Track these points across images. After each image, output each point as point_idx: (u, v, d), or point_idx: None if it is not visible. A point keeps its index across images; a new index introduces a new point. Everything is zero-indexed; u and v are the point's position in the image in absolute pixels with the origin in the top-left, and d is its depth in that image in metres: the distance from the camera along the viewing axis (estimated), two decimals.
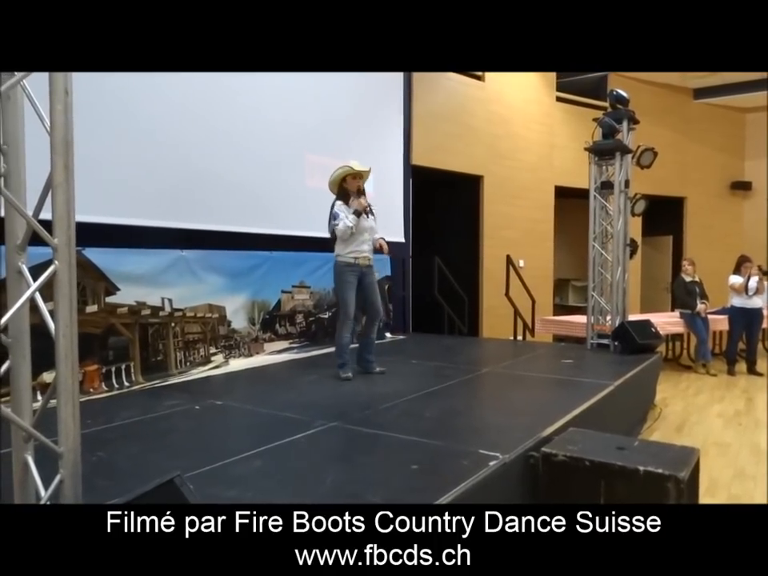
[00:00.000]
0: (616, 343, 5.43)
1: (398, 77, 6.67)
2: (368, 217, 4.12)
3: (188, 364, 4.50)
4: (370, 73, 5.93)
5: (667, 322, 7.29)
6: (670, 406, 5.61)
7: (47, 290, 1.42)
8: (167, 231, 4.31)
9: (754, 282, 7.02)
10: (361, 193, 4.09)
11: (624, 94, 5.78)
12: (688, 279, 7.40)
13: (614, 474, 2.38)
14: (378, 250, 4.25)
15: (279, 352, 5.27)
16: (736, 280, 7.14)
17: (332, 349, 5.56)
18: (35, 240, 1.45)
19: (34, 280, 1.41)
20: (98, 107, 3.79)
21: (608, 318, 5.71)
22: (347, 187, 4.09)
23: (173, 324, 4.39)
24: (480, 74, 7.88)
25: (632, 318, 5.93)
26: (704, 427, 4.94)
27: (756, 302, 7.12)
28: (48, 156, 1.37)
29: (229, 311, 4.86)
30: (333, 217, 4.06)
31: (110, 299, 3.98)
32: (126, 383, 4.02)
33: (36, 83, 1.44)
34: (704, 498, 3.00)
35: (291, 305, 5.47)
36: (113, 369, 3.99)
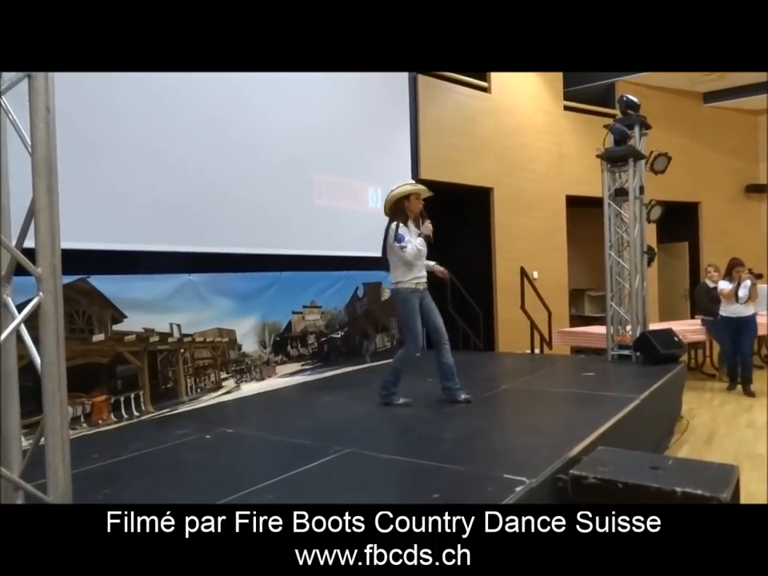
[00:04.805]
0: (638, 354, 5.28)
1: (403, 92, 6.61)
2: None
3: (198, 390, 4.39)
4: (375, 89, 5.89)
5: (688, 329, 7.09)
6: (697, 417, 5.41)
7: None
8: (173, 255, 4.22)
9: (745, 288, 6.39)
10: (424, 216, 3.87)
11: (634, 99, 5.68)
12: (712, 285, 7.18)
13: (649, 496, 2.23)
14: (440, 279, 4.13)
15: (292, 374, 5.15)
16: (725, 286, 6.53)
17: (346, 369, 5.49)
18: (23, 270, 1.35)
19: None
20: (100, 130, 3.74)
21: (628, 327, 5.55)
22: (409, 207, 3.82)
23: (182, 350, 4.29)
24: (486, 85, 7.82)
25: (652, 326, 5.76)
26: (734, 439, 4.74)
27: (743, 310, 6.45)
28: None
29: (239, 335, 4.75)
30: (397, 239, 3.74)
31: (116, 327, 3.88)
32: (136, 413, 3.92)
33: (16, 102, 1.35)
34: None
35: (302, 326, 5.36)
36: (122, 399, 3.89)
